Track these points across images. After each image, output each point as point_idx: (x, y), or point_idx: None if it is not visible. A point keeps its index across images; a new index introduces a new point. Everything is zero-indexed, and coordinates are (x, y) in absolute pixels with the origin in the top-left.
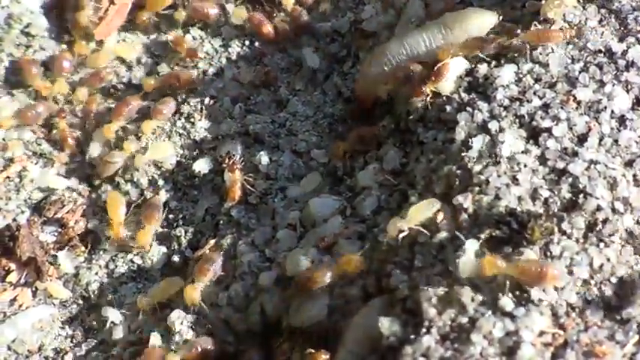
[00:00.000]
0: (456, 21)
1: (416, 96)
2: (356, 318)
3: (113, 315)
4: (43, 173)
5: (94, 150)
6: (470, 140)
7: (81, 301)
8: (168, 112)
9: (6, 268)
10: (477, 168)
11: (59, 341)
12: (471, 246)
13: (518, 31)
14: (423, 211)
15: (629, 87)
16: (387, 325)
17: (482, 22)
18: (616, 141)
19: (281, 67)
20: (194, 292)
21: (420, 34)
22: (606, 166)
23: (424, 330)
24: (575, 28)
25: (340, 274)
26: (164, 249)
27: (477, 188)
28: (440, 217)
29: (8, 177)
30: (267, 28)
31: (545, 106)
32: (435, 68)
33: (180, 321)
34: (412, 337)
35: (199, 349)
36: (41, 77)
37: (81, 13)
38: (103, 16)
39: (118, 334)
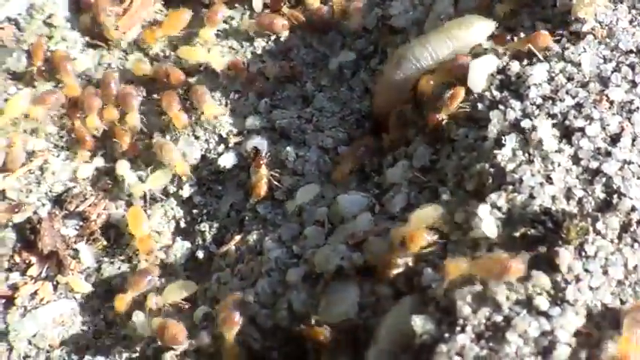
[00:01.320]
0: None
1: (430, 122)
2: (388, 316)
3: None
4: (65, 166)
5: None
6: (503, 138)
7: (103, 296)
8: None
9: (27, 262)
10: (511, 166)
11: (81, 336)
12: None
13: (508, 37)
14: (425, 217)
15: None
16: (420, 323)
17: (483, 28)
18: None
19: (307, 63)
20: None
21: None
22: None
23: (459, 328)
24: (607, 28)
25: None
26: (188, 244)
27: (510, 187)
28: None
29: (30, 170)
30: (279, 24)
31: (578, 106)
32: (450, 94)
33: (205, 317)
34: (446, 335)
35: None
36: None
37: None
38: (127, 8)
39: (142, 329)
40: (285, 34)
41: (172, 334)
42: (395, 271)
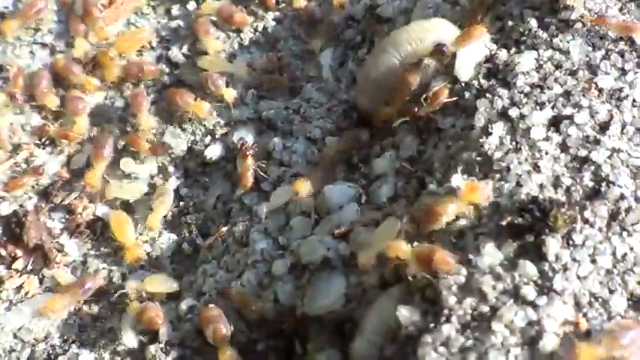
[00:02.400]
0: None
1: (408, 114)
2: (374, 307)
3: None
4: (51, 159)
5: None
6: (490, 127)
7: None
8: None
9: (12, 255)
10: (498, 155)
11: (66, 329)
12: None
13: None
14: (386, 233)
15: None
16: (406, 314)
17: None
18: (638, 129)
19: (295, 54)
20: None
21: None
22: (629, 154)
23: (444, 319)
24: (596, 15)
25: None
26: (174, 236)
27: (497, 175)
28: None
29: (15, 163)
30: (240, 16)
31: (567, 94)
32: (432, 92)
33: (190, 310)
34: (432, 326)
35: None
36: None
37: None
38: (113, 1)
39: (127, 322)
40: (249, 30)
41: (149, 317)
42: None
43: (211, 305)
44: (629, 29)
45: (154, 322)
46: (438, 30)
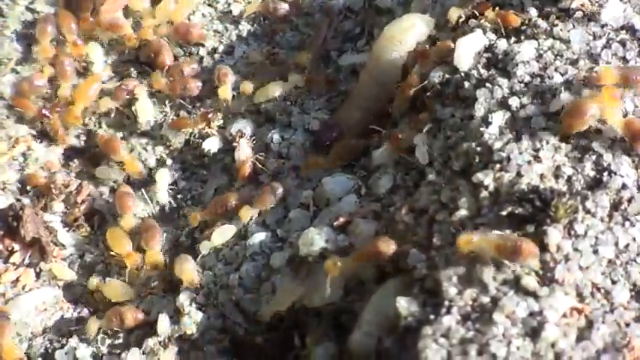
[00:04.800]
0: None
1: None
2: (372, 299)
3: None
4: (48, 152)
5: None
6: (490, 116)
7: (86, 283)
8: None
9: (9, 249)
10: (498, 145)
11: (64, 323)
12: None
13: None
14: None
15: None
16: (405, 305)
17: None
18: None
19: (292, 46)
20: None
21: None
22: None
23: (444, 310)
24: (596, 4)
25: None
26: (172, 229)
27: (497, 165)
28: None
29: (12, 156)
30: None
31: (567, 83)
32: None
33: (189, 302)
34: (432, 317)
35: None
36: None
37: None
38: None
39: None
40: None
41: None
42: None
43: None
44: None
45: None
46: (415, 27)
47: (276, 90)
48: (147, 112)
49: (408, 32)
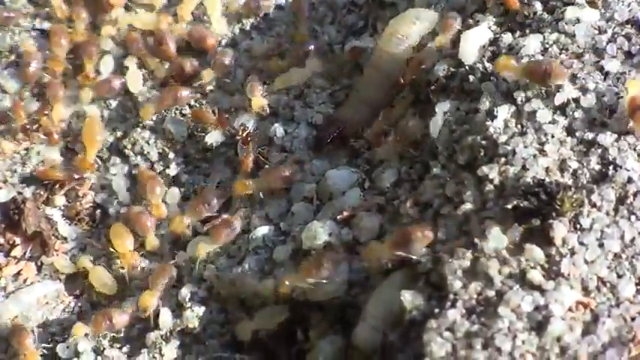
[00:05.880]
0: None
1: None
2: (377, 292)
3: None
4: (50, 146)
5: None
6: (495, 110)
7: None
8: None
9: (11, 242)
10: (503, 138)
11: (65, 317)
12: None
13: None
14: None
15: None
16: (409, 298)
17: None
18: None
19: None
20: None
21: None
22: (637, 137)
23: (449, 304)
24: None
25: None
26: None
27: (502, 159)
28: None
29: (14, 150)
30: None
31: (573, 77)
32: None
33: (190, 296)
34: (436, 311)
35: None
36: None
37: None
38: None
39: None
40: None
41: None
42: None
43: None
44: None
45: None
46: (418, 22)
47: (297, 76)
48: (137, 82)
49: (412, 27)
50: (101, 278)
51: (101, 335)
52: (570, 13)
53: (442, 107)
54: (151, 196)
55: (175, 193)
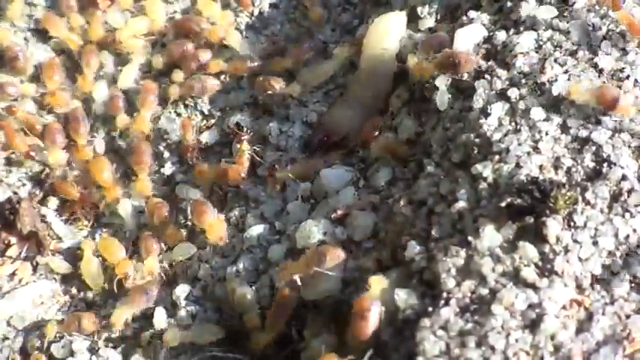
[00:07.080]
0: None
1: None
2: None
3: None
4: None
5: None
6: (489, 108)
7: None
8: None
9: (6, 242)
10: (497, 136)
11: (60, 317)
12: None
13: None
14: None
15: None
16: (403, 297)
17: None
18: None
19: (291, 38)
20: None
21: None
22: (631, 135)
23: (442, 302)
24: None
25: None
26: None
27: (496, 157)
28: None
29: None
30: None
31: (567, 74)
32: None
33: (185, 295)
34: (430, 309)
35: None
36: None
37: None
38: None
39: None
40: (245, 14)
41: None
42: None
43: None
44: None
45: None
46: (391, 31)
47: (328, 69)
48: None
49: (387, 39)
50: (90, 269)
51: (96, 334)
52: None
53: (442, 80)
54: None
55: None
